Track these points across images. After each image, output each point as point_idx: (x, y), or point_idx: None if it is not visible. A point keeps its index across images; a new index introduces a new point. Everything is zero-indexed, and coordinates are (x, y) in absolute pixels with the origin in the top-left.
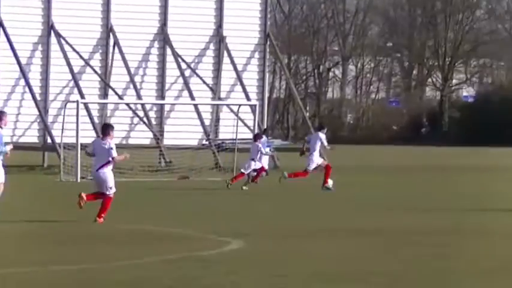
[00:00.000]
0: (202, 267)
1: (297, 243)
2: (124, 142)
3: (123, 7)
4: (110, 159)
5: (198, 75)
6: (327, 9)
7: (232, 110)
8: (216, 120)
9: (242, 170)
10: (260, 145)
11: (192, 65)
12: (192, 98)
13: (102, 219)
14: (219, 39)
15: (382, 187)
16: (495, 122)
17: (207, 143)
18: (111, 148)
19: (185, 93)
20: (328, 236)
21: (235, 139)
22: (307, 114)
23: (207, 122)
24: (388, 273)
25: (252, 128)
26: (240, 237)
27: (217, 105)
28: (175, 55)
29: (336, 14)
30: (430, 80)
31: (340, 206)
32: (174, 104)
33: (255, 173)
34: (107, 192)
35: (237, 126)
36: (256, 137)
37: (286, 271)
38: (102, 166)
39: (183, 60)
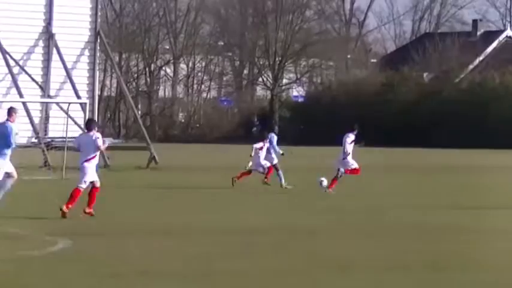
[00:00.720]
0: (24, 267)
1: (130, 241)
2: None
3: None
4: (97, 148)
5: (26, 73)
6: (158, 8)
7: (62, 108)
8: (46, 118)
9: (251, 168)
10: (268, 144)
11: (21, 62)
12: (21, 95)
13: (90, 210)
14: (48, 36)
15: (216, 187)
16: (324, 122)
17: (36, 141)
18: (97, 138)
19: (13, 90)
20: (165, 233)
21: (65, 137)
22: (139, 112)
23: (36, 120)
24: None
25: (82, 126)
26: (69, 236)
27: (47, 103)
28: (3, 52)
29: (167, 13)
30: (260, 79)
31: (188, 205)
32: (1, 102)
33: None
34: (78, 184)
35: (67, 124)
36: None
37: (112, 270)
38: (88, 160)
39: (11, 57)
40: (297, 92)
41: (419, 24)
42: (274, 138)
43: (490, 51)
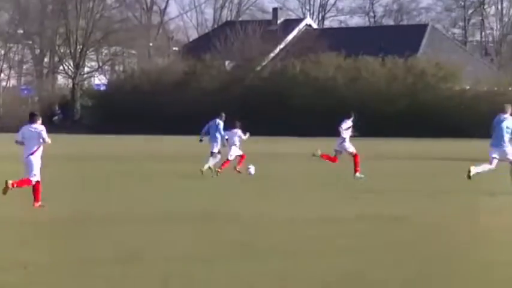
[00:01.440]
0: None
1: None
2: None
3: None
4: (41, 140)
5: None
6: None
7: None
8: None
9: (228, 158)
10: (240, 131)
11: None
12: None
13: (38, 204)
14: None
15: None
16: (127, 111)
17: None
18: (42, 130)
19: None
20: None
21: None
22: None
23: None
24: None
25: None
26: None
27: None
28: None
29: None
30: (62, 67)
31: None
32: None
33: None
34: (30, 178)
35: None
36: (235, 125)
37: None
38: (33, 152)
39: None
40: (99, 81)
41: (221, 12)
42: (221, 124)
43: (290, 39)
